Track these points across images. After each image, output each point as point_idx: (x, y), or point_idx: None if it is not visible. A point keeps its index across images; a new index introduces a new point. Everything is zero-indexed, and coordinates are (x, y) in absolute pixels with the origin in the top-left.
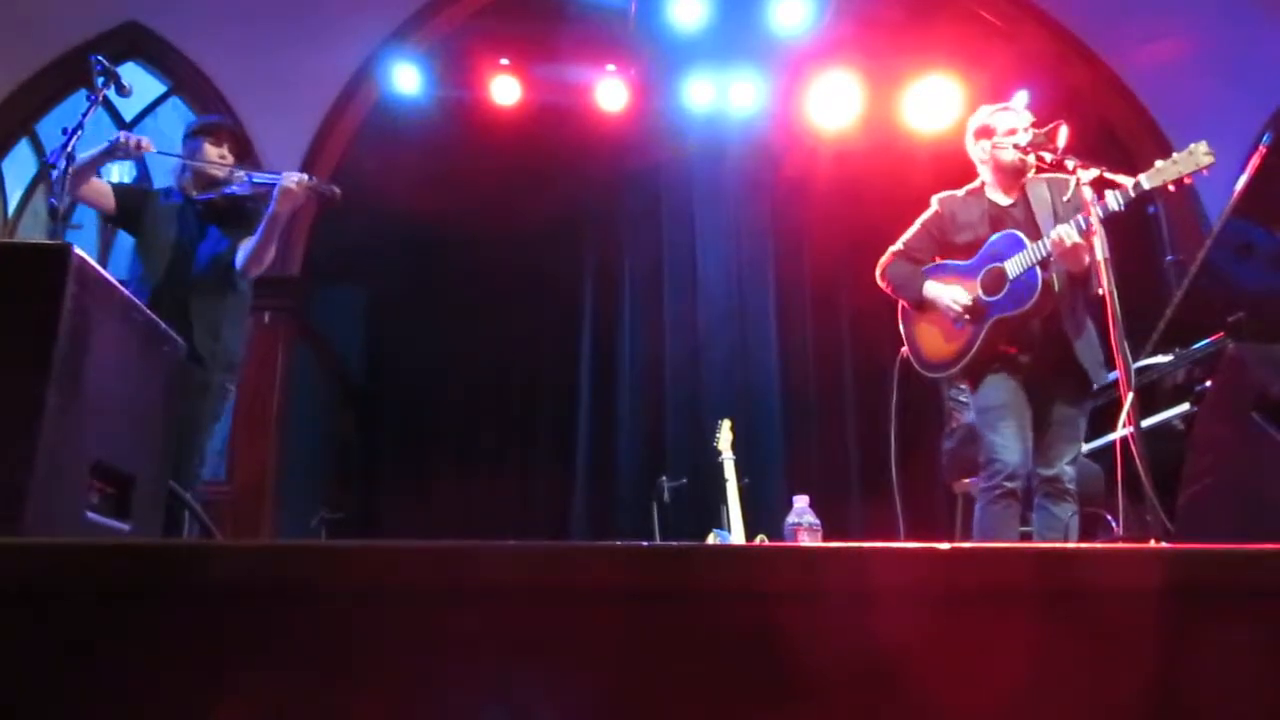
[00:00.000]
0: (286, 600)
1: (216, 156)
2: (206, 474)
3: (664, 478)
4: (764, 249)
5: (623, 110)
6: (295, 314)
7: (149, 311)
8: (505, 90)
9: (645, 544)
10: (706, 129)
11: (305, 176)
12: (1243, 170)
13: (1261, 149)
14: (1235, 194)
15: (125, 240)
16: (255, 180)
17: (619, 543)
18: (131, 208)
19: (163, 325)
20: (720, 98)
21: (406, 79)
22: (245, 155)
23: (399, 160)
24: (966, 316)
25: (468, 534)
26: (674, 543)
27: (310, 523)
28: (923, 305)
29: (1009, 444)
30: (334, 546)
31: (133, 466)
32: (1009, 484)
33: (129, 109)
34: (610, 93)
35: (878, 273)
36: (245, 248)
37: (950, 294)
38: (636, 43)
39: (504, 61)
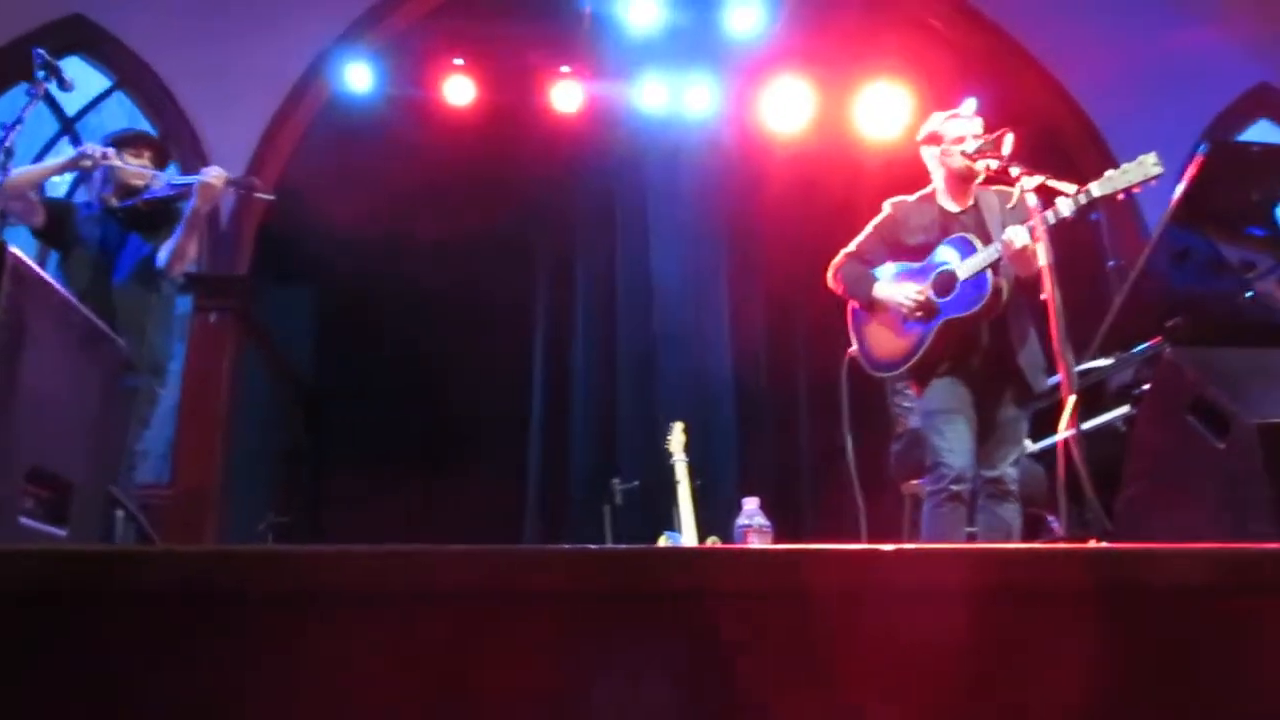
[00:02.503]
0: (225, 605)
1: (137, 166)
2: (149, 477)
3: (616, 480)
4: (718, 252)
5: (578, 111)
6: (242, 314)
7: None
8: (459, 90)
9: (592, 547)
10: (661, 131)
11: (224, 171)
12: (1180, 179)
13: (1198, 158)
14: (1173, 202)
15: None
16: (175, 182)
17: (564, 545)
18: (57, 221)
19: (102, 326)
20: (675, 100)
21: (358, 77)
22: (165, 165)
23: (350, 159)
24: (919, 313)
25: (418, 538)
26: (620, 545)
27: (257, 527)
28: (873, 305)
29: (955, 448)
30: (273, 551)
31: (71, 472)
32: (955, 487)
33: (71, 104)
34: (565, 94)
35: (829, 274)
36: (167, 246)
37: (903, 290)
38: (592, 44)
39: (458, 61)
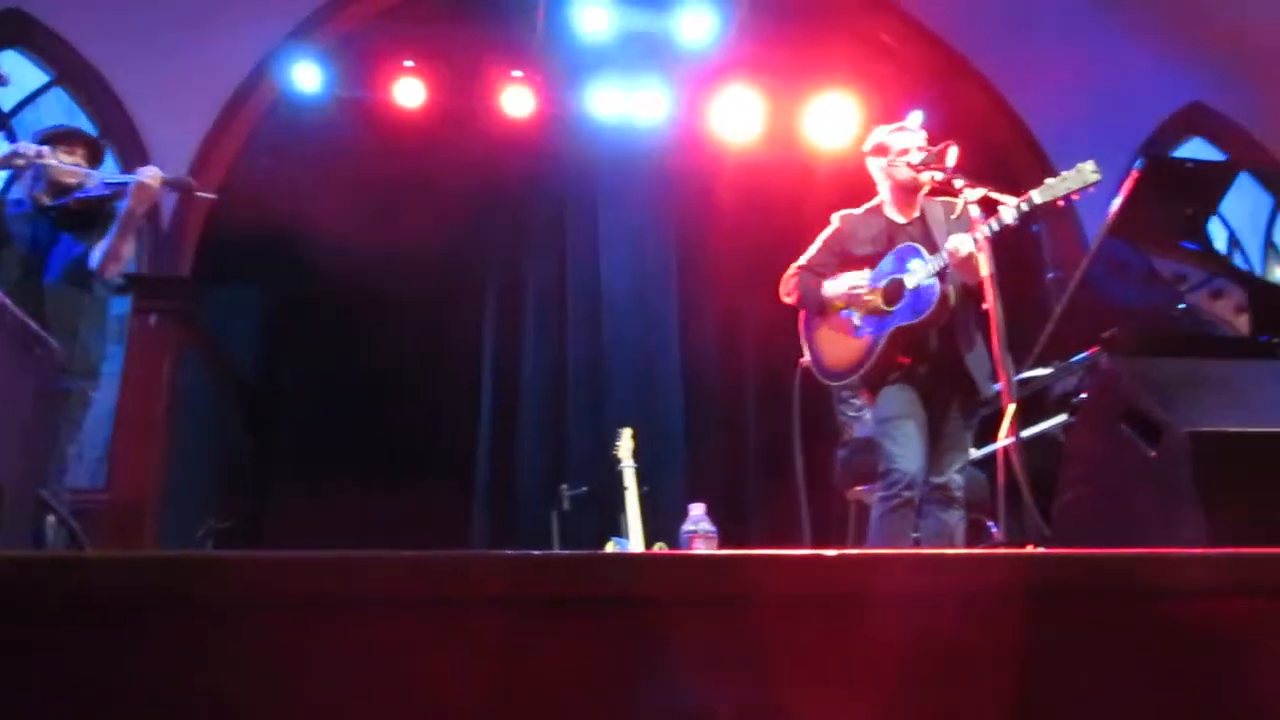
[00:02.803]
0: (162, 613)
1: (70, 164)
2: (83, 482)
3: (564, 486)
4: (668, 259)
5: (529, 117)
6: (184, 315)
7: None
8: (409, 92)
9: (536, 552)
10: (613, 138)
11: (160, 171)
12: (1117, 193)
13: (1134, 173)
14: (1110, 215)
15: None
16: (109, 181)
17: (508, 551)
18: None
19: (35, 328)
20: (627, 107)
21: (306, 77)
22: (99, 163)
23: (299, 160)
24: (867, 315)
25: (364, 543)
26: (566, 551)
27: (196, 533)
28: (825, 310)
29: (908, 453)
30: (213, 558)
31: (1, 475)
32: (907, 493)
33: (7, 99)
34: (516, 99)
35: (782, 286)
36: (100, 246)
37: (847, 281)
38: (544, 50)
39: (408, 63)
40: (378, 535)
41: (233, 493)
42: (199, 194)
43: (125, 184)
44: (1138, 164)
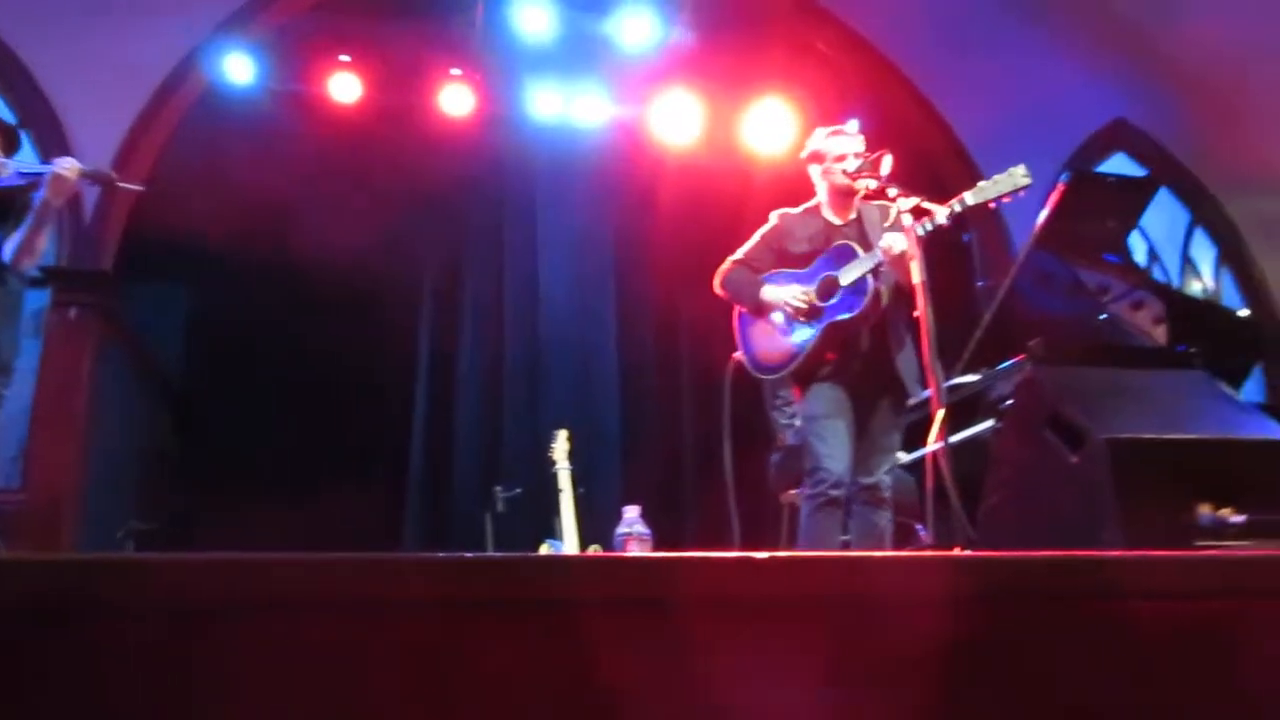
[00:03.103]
0: (81, 618)
1: None
2: None
3: (499, 487)
4: (606, 261)
5: (467, 115)
6: (106, 311)
7: None
8: (345, 87)
9: (468, 554)
10: (552, 139)
11: (77, 162)
12: (1045, 205)
13: (1060, 186)
14: (1037, 227)
15: None
16: (24, 171)
17: (440, 553)
18: None
19: None
20: (566, 108)
21: (239, 69)
22: (13, 152)
23: (229, 153)
24: (803, 315)
25: (294, 546)
26: (496, 553)
27: (117, 534)
28: (760, 309)
29: (834, 453)
30: (134, 560)
31: None
32: (833, 492)
33: None
34: (455, 97)
35: (717, 280)
36: (13, 239)
37: (789, 292)
38: (483, 48)
39: (344, 58)
40: (308, 536)
41: (156, 493)
42: (123, 185)
43: (41, 174)
44: (1064, 177)
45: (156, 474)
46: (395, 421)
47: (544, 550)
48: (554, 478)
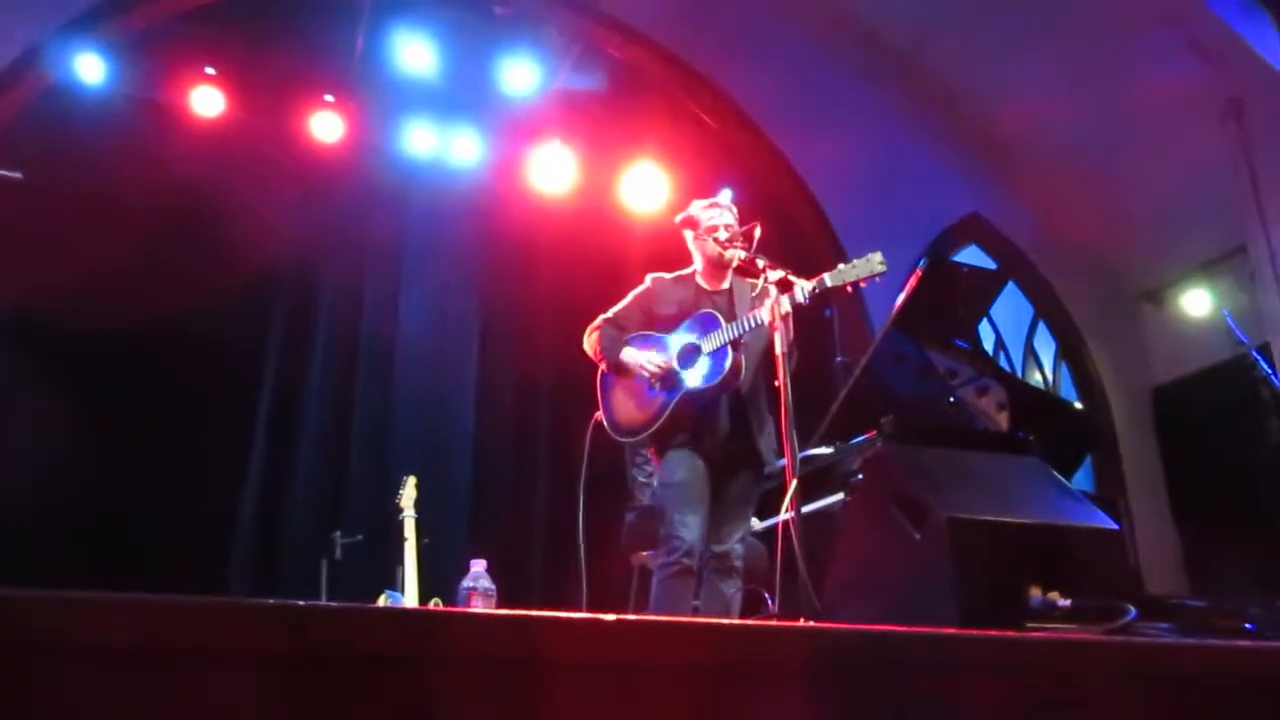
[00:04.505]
0: None
1: None
2: None
3: (338, 533)
4: (471, 306)
5: (336, 144)
6: None
7: None
8: (207, 101)
9: (299, 603)
10: (425, 178)
11: None
12: (903, 288)
13: (918, 272)
14: (894, 309)
15: None
16: None
17: (269, 600)
18: None
19: None
20: (442, 147)
21: (89, 70)
22: None
23: (68, 160)
24: (659, 382)
25: (114, 586)
26: (330, 603)
27: None
28: (621, 369)
29: (688, 521)
30: None
31: None
32: (687, 560)
33: None
34: (325, 124)
35: (585, 336)
36: None
37: (646, 357)
38: (360, 78)
39: (209, 70)
40: (128, 577)
41: None
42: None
43: None
44: (921, 264)
45: None
46: (229, 454)
47: (382, 601)
48: (398, 525)
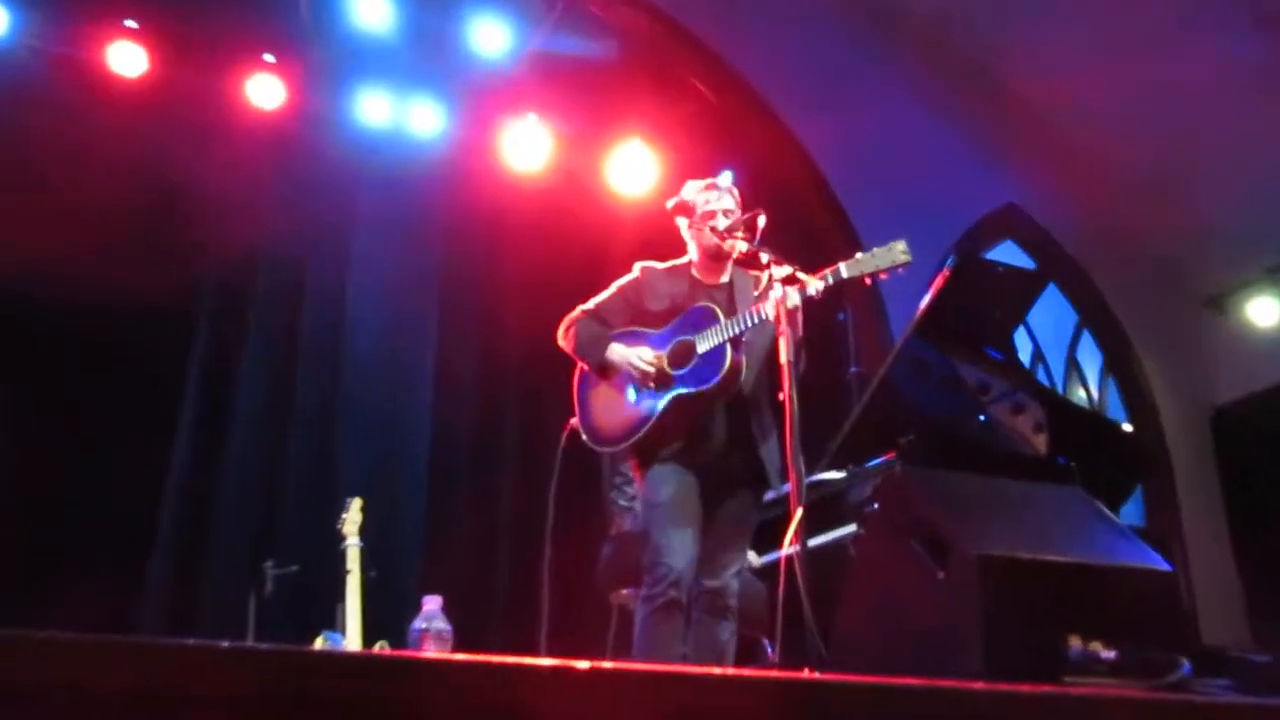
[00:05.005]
0: None
1: None
2: None
3: (269, 563)
4: (429, 302)
5: (277, 111)
6: None
7: None
8: (127, 58)
9: (224, 644)
10: (379, 151)
11: None
12: (927, 289)
13: (945, 271)
14: (918, 312)
15: None
16: None
17: (188, 640)
18: None
19: None
20: (399, 117)
21: None
22: None
23: None
24: (651, 381)
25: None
26: (264, 644)
27: None
28: (604, 369)
29: (677, 547)
30: None
31: None
32: (673, 592)
33: None
34: (265, 88)
35: (561, 330)
36: None
37: (636, 353)
38: (307, 36)
39: (130, 24)
40: (30, 610)
41: None
42: None
43: None
44: (949, 261)
45: None
46: (147, 464)
47: (320, 644)
48: (340, 555)
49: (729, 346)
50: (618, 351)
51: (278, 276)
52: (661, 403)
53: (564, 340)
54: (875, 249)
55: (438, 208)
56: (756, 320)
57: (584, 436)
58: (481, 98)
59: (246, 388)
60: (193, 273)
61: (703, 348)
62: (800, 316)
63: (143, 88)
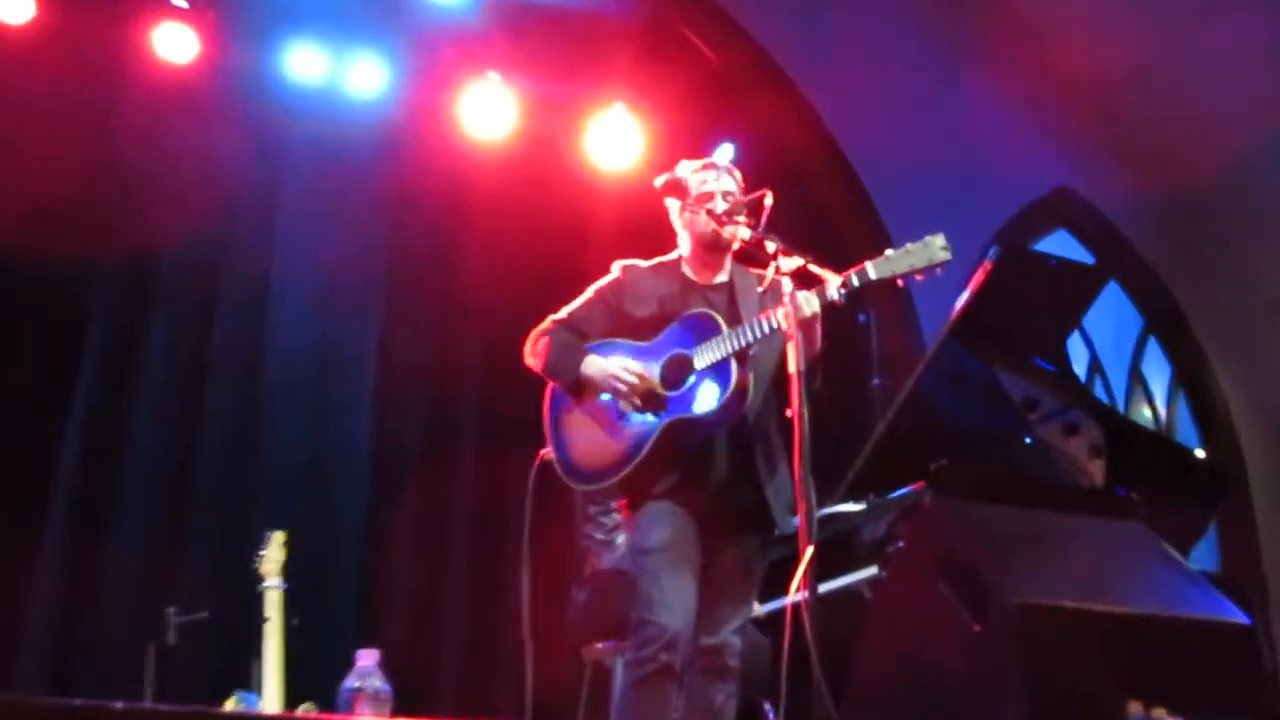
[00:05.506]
0: None
1: None
2: None
3: (172, 609)
4: (368, 290)
5: (189, 65)
6: None
7: None
8: (11, 5)
9: (117, 705)
10: (311, 114)
11: None
12: (965, 287)
13: (986, 264)
14: (953, 314)
15: None
16: None
17: (72, 699)
18: None
19: None
20: (335, 74)
21: None
22: None
23: None
24: (637, 400)
25: None
26: (158, 705)
27: None
28: (580, 388)
29: (672, 600)
30: None
31: None
32: (665, 656)
33: None
34: (174, 39)
35: (529, 344)
36: None
37: (620, 365)
38: None
39: None
40: None
41: None
42: None
43: None
44: (991, 254)
45: None
46: (18, 501)
47: (232, 705)
48: (258, 599)
49: (734, 362)
50: (595, 365)
51: (186, 263)
52: (653, 432)
53: (532, 357)
54: (909, 245)
55: (381, 183)
56: (766, 330)
57: (560, 472)
58: (434, 52)
59: (143, 398)
60: (82, 258)
61: (701, 363)
62: (819, 326)
63: (26, 37)
